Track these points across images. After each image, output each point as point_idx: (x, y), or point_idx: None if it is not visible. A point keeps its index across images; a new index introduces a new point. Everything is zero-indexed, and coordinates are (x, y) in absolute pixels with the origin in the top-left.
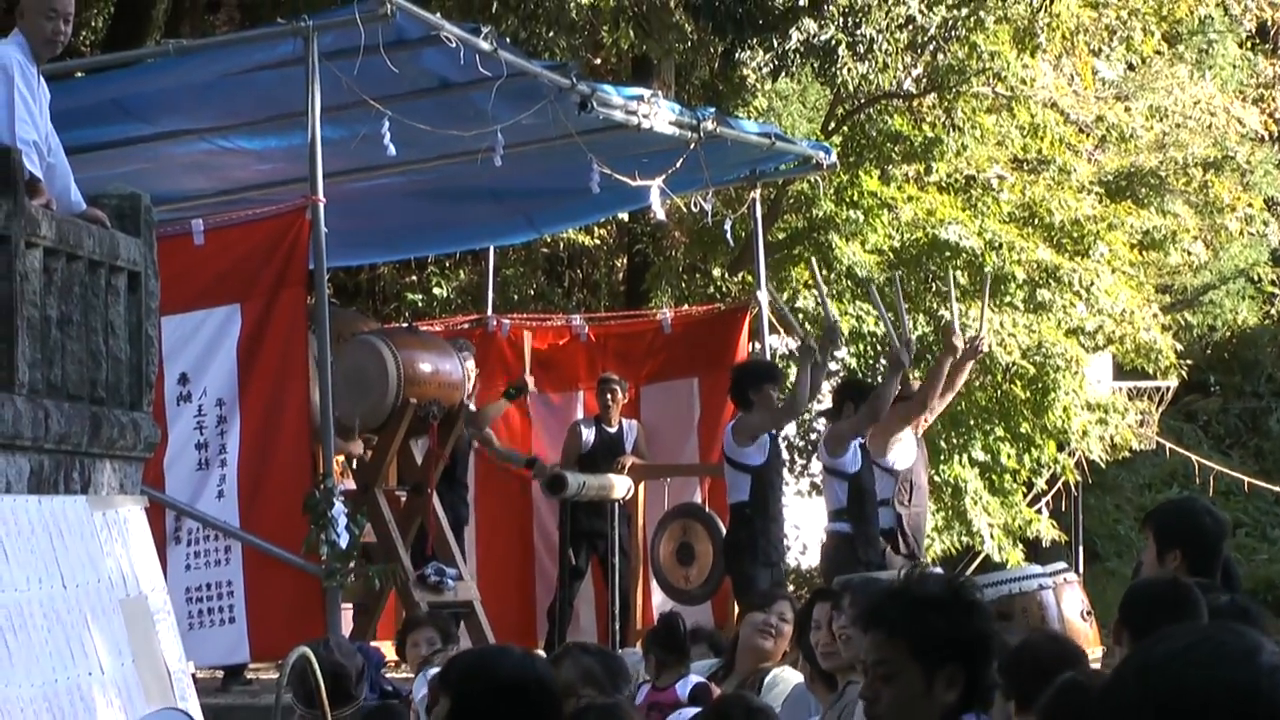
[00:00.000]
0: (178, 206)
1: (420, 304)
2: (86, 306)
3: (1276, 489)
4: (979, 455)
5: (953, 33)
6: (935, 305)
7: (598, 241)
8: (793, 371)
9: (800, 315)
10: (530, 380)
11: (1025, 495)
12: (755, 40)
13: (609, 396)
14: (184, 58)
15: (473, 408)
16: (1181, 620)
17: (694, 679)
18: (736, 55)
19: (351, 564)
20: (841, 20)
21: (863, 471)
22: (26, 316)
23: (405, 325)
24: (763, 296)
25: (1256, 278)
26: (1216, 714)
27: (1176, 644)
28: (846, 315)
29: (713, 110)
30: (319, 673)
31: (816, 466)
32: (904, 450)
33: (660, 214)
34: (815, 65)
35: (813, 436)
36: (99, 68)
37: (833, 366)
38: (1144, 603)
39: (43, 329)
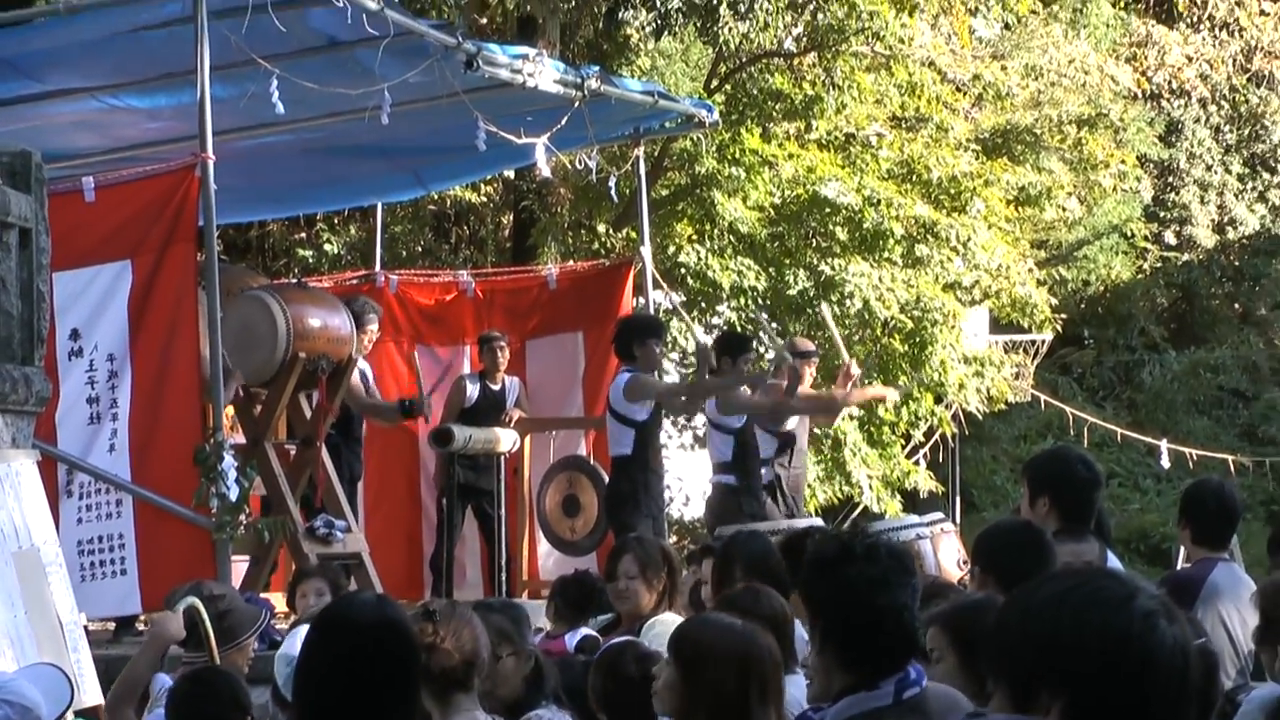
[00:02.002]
0: (69, 164)
1: (310, 260)
2: None
3: (1149, 440)
4: (857, 409)
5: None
6: (815, 260)
7: (484, 199)
8: (674, 324)
9: (682, 270)
10: (429, 404)
11: (903, 447)
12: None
13: (494, 354)
14: (73, 16)
15: (363, 364)
16: (1027, 561)
17: (583, 631)
18: (620, 14)
19: (241, 517)
20: None
21: (746, 427)
22: None
23: (294, 281)
24: (646, 252)
25: (1129, 233)
26: (1090, 656)
27: (1057, 588)
28: (729, 270)
29: (597, 69)
30: (203, 612)
31: (700, 420)
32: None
33: (545, 171)
34: (697, 24)
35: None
36: None
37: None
38: (992, 541)
39: None
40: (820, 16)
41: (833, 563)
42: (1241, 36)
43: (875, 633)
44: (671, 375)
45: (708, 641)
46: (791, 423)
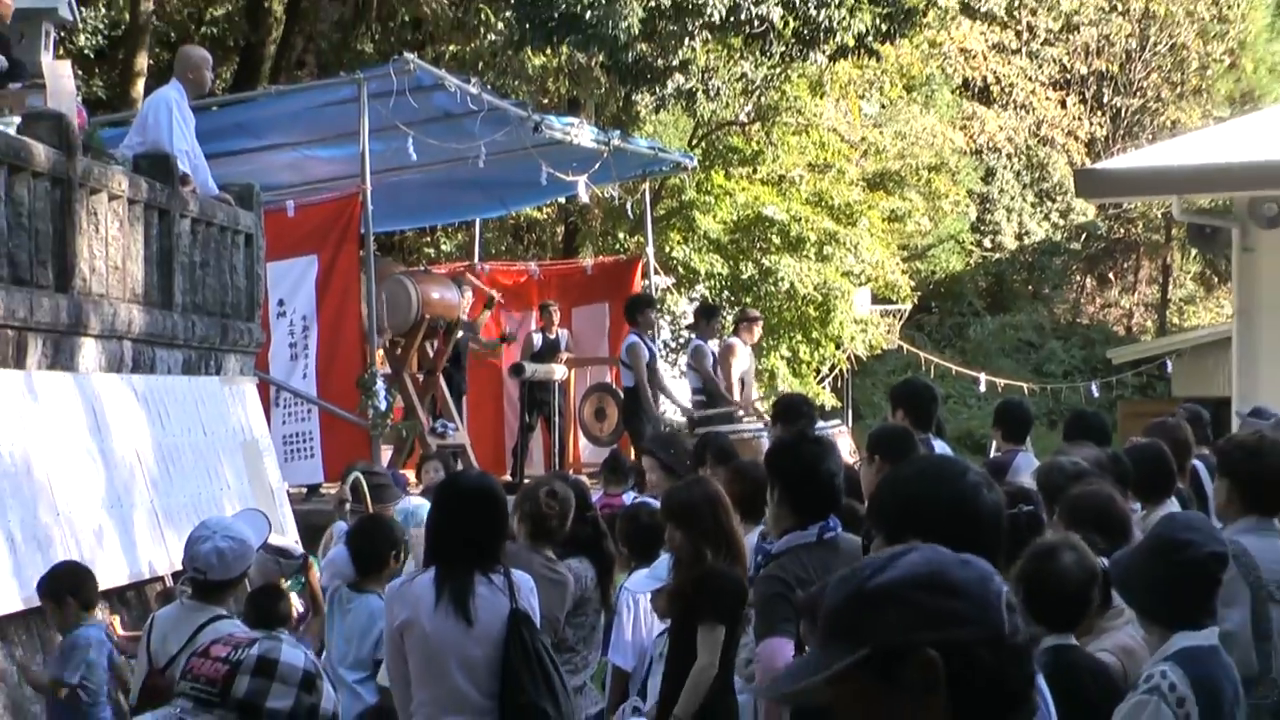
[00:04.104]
0: (277, 192)
1: (432, 255)
2: (218, 255)
3: (972, 373)
4: (785, 353)
5: (771, 84)
6: (759, 256)
7: (545, 215)
8: (669, 299)
9: (673, 261)
10: (496, 296)
11: (816, 377)
12: (645, 87)
13: (550, 315)
14: (281, 97)
15: (466, 320)
16: (900, 448)
17: (632, 494)
18: (633, 97)
19: (388, 421)
20: (700, 75)
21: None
22: (180, 261)
23: (422, 269)
24: (649, 251)
25: (961, 240)
26: (939, 512)
27: (915, 467)
28: (704, 262)
29: (618, 132)
30: (363, 482)
31: (683, 360)
32: (740, 363)
33: (585, 198)
34: (684, 104)
35: (681, 340)
36: (227, 103)
37: (694, 294)
38: (879, 437)
39: (190, 270)
40: (763, 99)
41: (793, 444)
42: (1033, 113)
43: (812, 491)
44: (665, 330)
45: (681, 498)
46: (741, 367)
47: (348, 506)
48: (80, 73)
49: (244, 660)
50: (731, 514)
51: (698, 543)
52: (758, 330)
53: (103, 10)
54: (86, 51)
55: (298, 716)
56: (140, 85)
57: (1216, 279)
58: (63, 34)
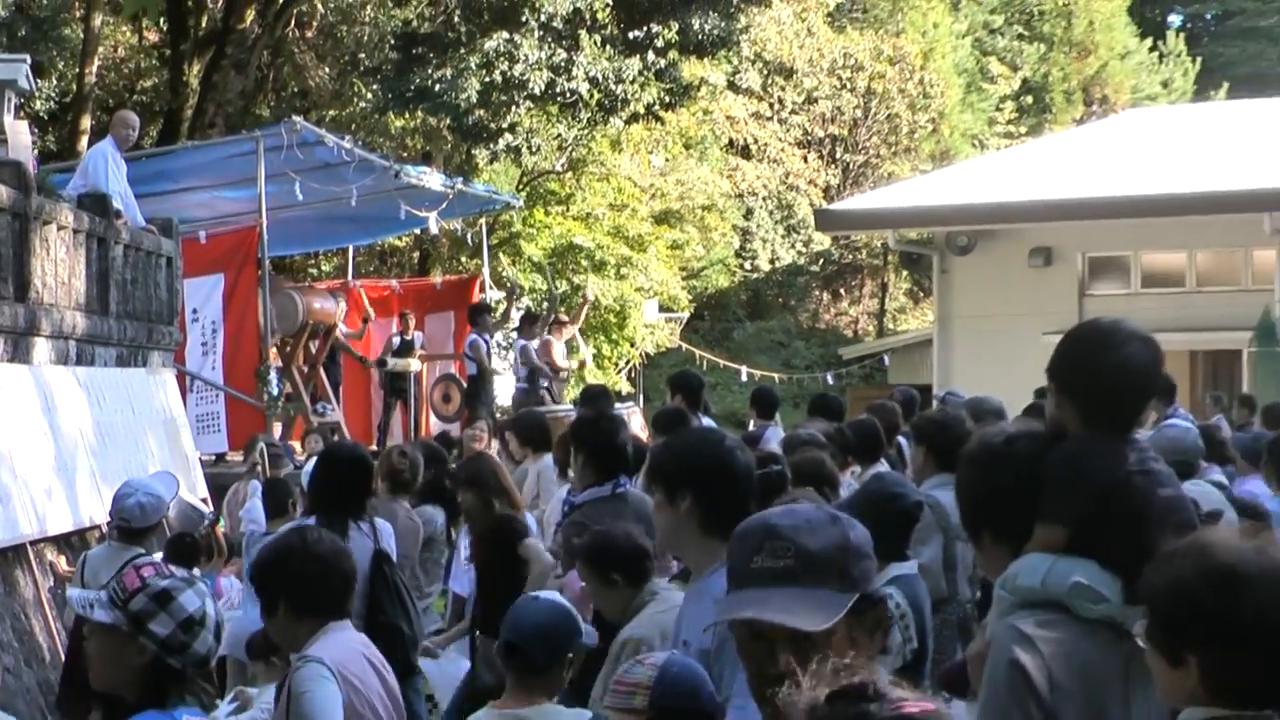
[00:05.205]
0: (192, 224)
1: (314, 274)
2: (145, 274)
3: (736, 365)
4: (593, 350)
5: (580, 142)
6: (570, 275)
7: (404, 243)
8: (499, 305)
9: (504, 279)
10: (371, 315)
11: (615, 369)
12: (481, 144)
13: (406, 322)
14: (196, 150)
15: (343, 327)
16: (676, 423)
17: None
18: (472, 151)
19: (279, 403)
20: (525, 135)
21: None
22: (114, 279)
23: (306, 284)
24: (485, 271)
25: (727, 264)
26: (707, 469)
27: (686, 437)
28: (528, 279)
29: (460, 178)
30: (266, 452)
31: (512, 355)
32: (559, 352)
33: (435, 230)
34: (511, 157)
35: (510, 340)
36: (153, 155)
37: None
38: (661, 415)
39: (122, 285)
40: (573, 153)
41: (594, 419)
42: (782, 166)
43: (608, 454)
44: (498, 334)
45: (470, 469)
46: (560, 358)
47: (257, 469)
48: (36, 131)
49: (151, 585)
50: (508, 476)
51: (487, 498)
52: (567, 332)
53: (54, 81)
54: (41, 114)
55: (170, 646)
56: (84, 140)
57: (921, 293)
58: (22, 100)
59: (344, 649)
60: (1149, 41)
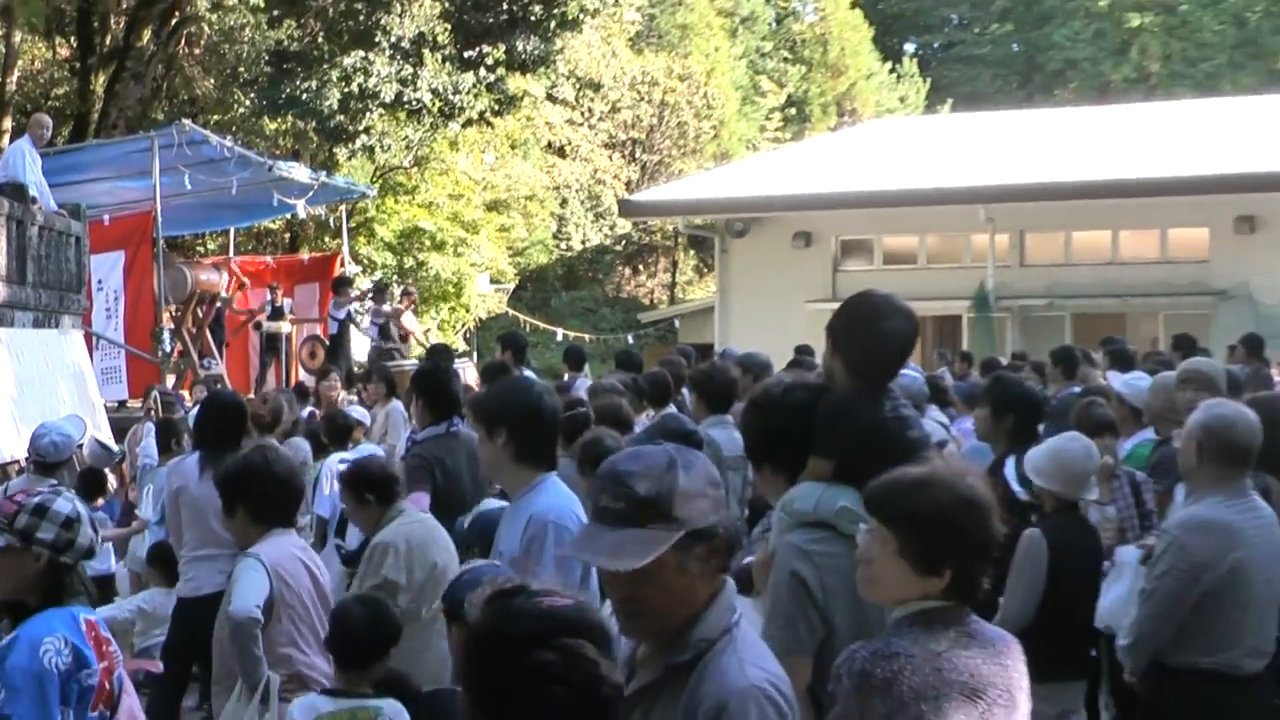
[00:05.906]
0: (97, 209)
1: (202, 251)
2: (57, 250)
3: (553, 329)
4: (435, 316)
5: (424, 143)
6: (417, 253)
7: (277, 225)
8: (357, 278)
9: (361, 256)
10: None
11: (454, 332)
12: (341, 144)
13: (276, 292)
14: (101, 148)
15: (224, 294)
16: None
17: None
18: (334, 150)
19: (170, 359)
20: (378, 136)
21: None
22: (31, 254)
23: (195, 260)
24: (345, 249)
25: (546, 244)
26: (515, 414)
27: (503, 384)
28: (382, 256)
29: (324, 172)
30: (159, 399)
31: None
32: (409, 319)
33: (303, 215)
34: (367, 154)
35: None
36: (64, 151)
37: (374, 277)
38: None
39: (38, 259)
40: (418, 152)
41: (432, 371)
42: (592, 164)
43: (443, 400)
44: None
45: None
46: (412, 325)
47: (152, 414)
48: None
49: (26, 504)
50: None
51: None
52: (414, 300)
53: None
54: None
55: (59, 546)
56: (5, 139)
57: (706, 269)
58: None
59: (282, 550)
60: (889, 65)
